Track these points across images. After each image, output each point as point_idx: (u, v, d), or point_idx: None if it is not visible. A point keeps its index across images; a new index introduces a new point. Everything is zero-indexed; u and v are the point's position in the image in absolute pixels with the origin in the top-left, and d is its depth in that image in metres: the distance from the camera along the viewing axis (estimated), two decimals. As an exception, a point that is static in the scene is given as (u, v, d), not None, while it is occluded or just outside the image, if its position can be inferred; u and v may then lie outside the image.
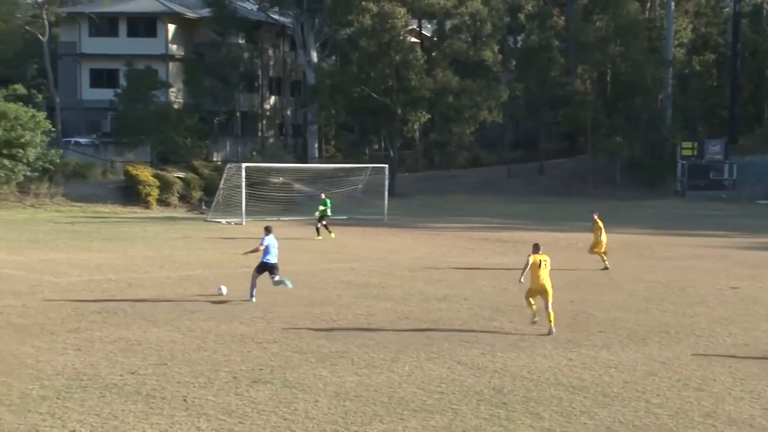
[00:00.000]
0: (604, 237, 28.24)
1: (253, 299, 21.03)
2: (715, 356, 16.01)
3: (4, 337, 16.57)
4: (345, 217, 46.50)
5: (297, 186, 53.13)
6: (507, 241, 36.52)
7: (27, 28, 72.09)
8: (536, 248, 18.29)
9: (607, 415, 12.44)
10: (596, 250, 28.30)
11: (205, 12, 72.17)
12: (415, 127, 67.73)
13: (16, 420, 11.73)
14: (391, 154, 65.54)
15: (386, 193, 48.11)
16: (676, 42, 74.35)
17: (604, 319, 19.44)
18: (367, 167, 51.43)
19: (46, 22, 68.25)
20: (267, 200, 47.52)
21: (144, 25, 72.81)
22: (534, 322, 18.33)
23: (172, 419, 11.93)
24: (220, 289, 21.90)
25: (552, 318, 17.79)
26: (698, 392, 13.66)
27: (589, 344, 16.83)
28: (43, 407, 12.30)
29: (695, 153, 68.95)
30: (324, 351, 15.89)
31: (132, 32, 72.48)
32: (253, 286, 21.33)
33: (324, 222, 37.40)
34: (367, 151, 73.59)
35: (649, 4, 77.74)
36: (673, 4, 73.61)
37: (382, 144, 73.34)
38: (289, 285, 21.49)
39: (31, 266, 26.47)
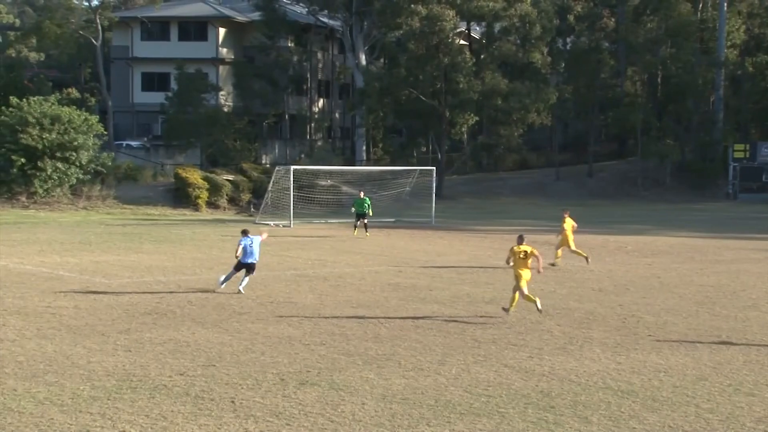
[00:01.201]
0: (569, 236, 28.70)
1: (222, 286, 22.38)
2: (767, 361, 15.76)
3: (57, 338, 16.82)
4: (392, 220, 46.58)
5: (345, 188, 53.33)
6: (556, 244, 36.25)
7: (81, 32, 73.26)
8: (520, 239, 19.71)
9: (656, 420, 12.31)
10: (569, 247, 28.74)
11: (255, 16, 72.79)
12: (463, 129, 67.65)
13: (68, 420, 11.90)
14: (439, 156, 65.53)
15: (434, 195, 48.10)
16: (729, 43, 73.42)
17: (653, 322, 19.25)
18: (415, 170, 51.50)
19: (99, 27, 69.34)
20: (315, 203, 47.75)
21: (195, 29, 73.64)
22: (507, 309, 19.67)
23: (220, 420, 12.02)
24: (220, 281, 22.55)
25: (535, 298, 19.41)
26: (750, 397, 13.47)
27: (639, 348, 16.67)
28: (93, 407, 12.46)
29: (747, 155, 68.07)
30: (371, 353, 15.91)
31: (183, 36, 73.33)
32: (227, 277, 22.56)
33: (365, 221, 38.61)
34: (415, 154, 73.66)
35: (701, 5, 76.87)
36: (725, 4, 72.68)
37: (430, 146, 73.34)
38: (223, 285, 22.42)
39: (83, 268, 26.84)
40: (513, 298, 19.68)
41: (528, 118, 66.45)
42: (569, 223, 29.03)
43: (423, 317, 19.53)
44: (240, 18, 74.31)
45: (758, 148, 68.89)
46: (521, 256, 19.37)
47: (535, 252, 19.67)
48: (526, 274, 19.40)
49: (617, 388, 13.88)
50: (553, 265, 28.20)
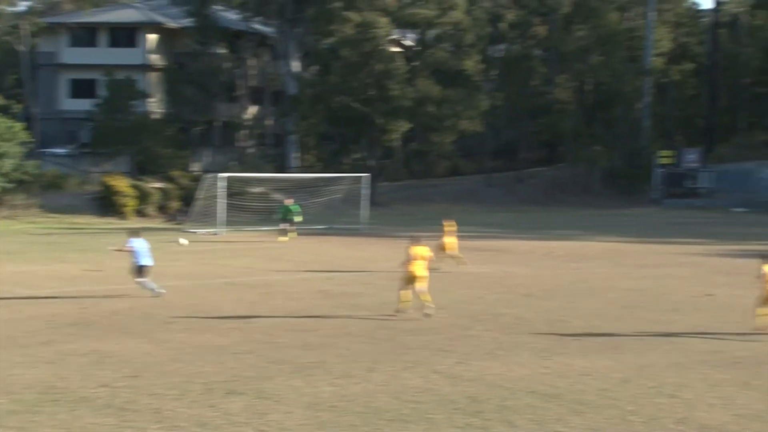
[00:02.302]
0: (449, 239, 29.50)
1: (162, 291, 22.49)
2: (689, 363, 16.05)
3: (-24, 350, 16.43)
4: (324, 227, 46.49)
5: (276, 196, 53.04)
6: (486, 249, 36.56)
7: (6, 38, 71.81)
8: (414, 240, 20.74)
9: (580, 423, 12.44)
10: (444, 251, 29.24)
11: (187, 22, 72.02)
12: (396, 136, 67.76)
13: (-15, 433, 11.62)
14: (372, 163, 65.53)
15: (366, 202, 48.10)
16: (656, 51, 74.81)
17: (580, 326, 19.47)
18: (347, 177, 51.45)
19: (26, 33, 68.07)
20: (246, 210, 47.39)
21: (124, 35, 72.59)
22: (399, 311, 20.33)
23: (144, 432, 11.85)
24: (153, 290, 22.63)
25: (428, 299, 20.30)
26: (672, 399, 13.69)
27: (565, 352, 16.84)
28: (12, 421, 12.16)
29: (673, 161, 69.38)
30: (300, 361, 15.83)
31: (112, 42, 72.25)
32: (148, 286, 22.57)
33: (289, 226, 39.88)
34: (348, 161, 73.53)
35: (630, 14, 78.18)
36: (653, 14, 74.05)
37: (363, 153, 73.32)
38: (161, 290, 22.62)
39: (4, 278, 26.26)
40: (403, 297, 20.46)
41: (460, 125, 66.72)
42: (450, 229, 29.79)
43: (353, 324, 19.50)
44: (171, 24, 73.46)
45: (683, 154, 70.22)
46: (418, 257, 20.25)
47: (429, 255, 20.69)
48: (421, 273, 20.20)
49: (543, 392, 14.00)
50: (463, 265, 28.92)
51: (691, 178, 68.96)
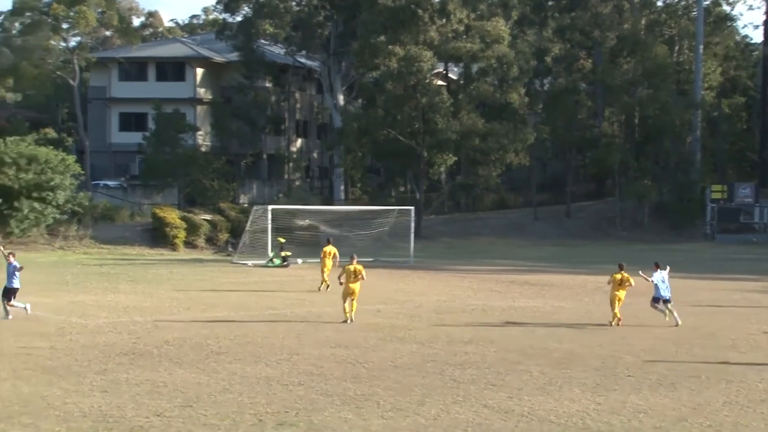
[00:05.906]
0: (328, 263, 32.79)
1: (9, 317, 23.93)
2: (746, 402, 15.74)
3: (33, 379, 16.59)
4: (371, 260, 46.44)
5: (323, 228, 53.20)
6: (534, 284, 36.32)
7: (58, 73, 73.23)
8: (352, 258, 24.75)
9: (637, 461, 12.24)
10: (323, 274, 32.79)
11: (233, 56, 72.98)
12: (442, 169, 67.80)
13: (42, 462, 11.70)
14: (418, 196, 65.58)
15: (412, 235, 48.06)
16: (705, 85, 74.14)
17: (633, 363, 19.20)
18: (394, 209, 51.45)
19: (76, 67, 69.40)
20: (293, 242, 47.56)
21: (172, 69, 73.74)
22: (345, 321, 24.09)
23: (197, 462, 11.85)
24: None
25: (354, 310, 24.38)
26: (730, 438, 13.44)
27: (618, 389, 16.61)
28: (68, 449, 12.26)
29: (725, 196, 68.48)
30: (350, 394, 15.78)
31: (161, 76, 73.42)
32: (4, 309, 24.13)
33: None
34: (394, 194, 73.67)
35: (677, 47, 77.71)
36: (701, 47, 73.50)
37: (408, 186, 73.44)
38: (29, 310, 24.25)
39: (60, 308, 26.57)
40: (345, 309, 24.28)
41: (506, 158, 66.58)
42: (330, 251, 32.63)
43: (402, 357, 19.42)
44: (218, 59, 74.49)
45: (735, 189, 69.31)
46: (354, 273, 24.09)
47: (362, 272, 24.30)
48: (356, 289, 24.24)
49: (597, 428, 13.81)
50: (327, 287, 31.73)
51: (745, 213, 67.98)
